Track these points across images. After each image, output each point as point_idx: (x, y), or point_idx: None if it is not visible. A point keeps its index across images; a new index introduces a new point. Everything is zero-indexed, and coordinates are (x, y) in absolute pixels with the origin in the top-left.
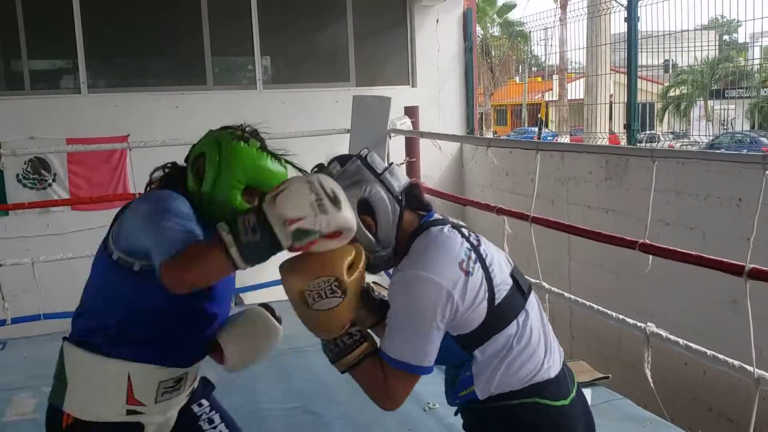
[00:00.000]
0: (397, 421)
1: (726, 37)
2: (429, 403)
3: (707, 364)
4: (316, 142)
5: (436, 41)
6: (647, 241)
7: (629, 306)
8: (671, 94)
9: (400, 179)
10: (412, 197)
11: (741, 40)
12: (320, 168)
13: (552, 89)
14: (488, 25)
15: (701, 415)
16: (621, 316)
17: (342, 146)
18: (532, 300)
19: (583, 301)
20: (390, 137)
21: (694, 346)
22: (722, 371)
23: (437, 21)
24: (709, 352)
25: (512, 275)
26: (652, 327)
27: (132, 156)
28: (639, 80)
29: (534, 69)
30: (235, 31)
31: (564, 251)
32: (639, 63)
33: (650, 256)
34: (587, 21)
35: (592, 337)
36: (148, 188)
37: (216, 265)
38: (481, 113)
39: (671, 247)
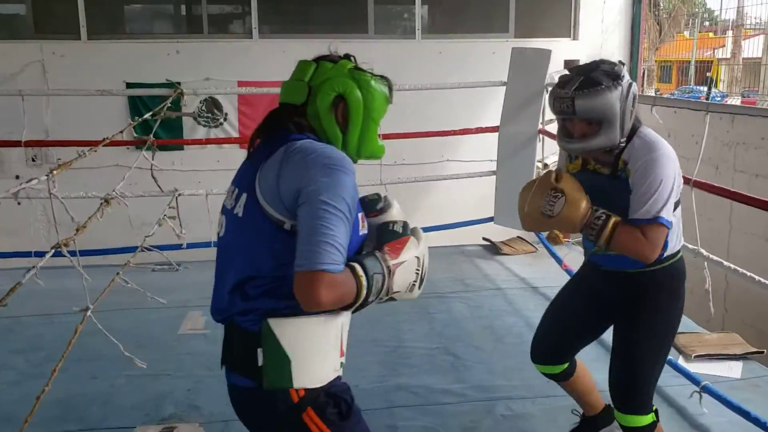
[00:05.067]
0: (536, 372)
1: None
2: None
3: None
4: (472, 93)
5: None
6: None
7: None
8: None
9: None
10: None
11: None
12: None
13: (725, 46)
14: None
15: None
16: None
17: (497, 99)
18: None
19: (743, 270)
20: (547, 91)
21: None
22: None
23: None
24: None
25: None
26: None
27: None
28: None
29: (706, 23)
30: None
31: (725, 220)
32: None
33: None
34: None
35: (747, 311)
36: (261, 133)
37: (346, 301)
38: (644, 69)
39: None
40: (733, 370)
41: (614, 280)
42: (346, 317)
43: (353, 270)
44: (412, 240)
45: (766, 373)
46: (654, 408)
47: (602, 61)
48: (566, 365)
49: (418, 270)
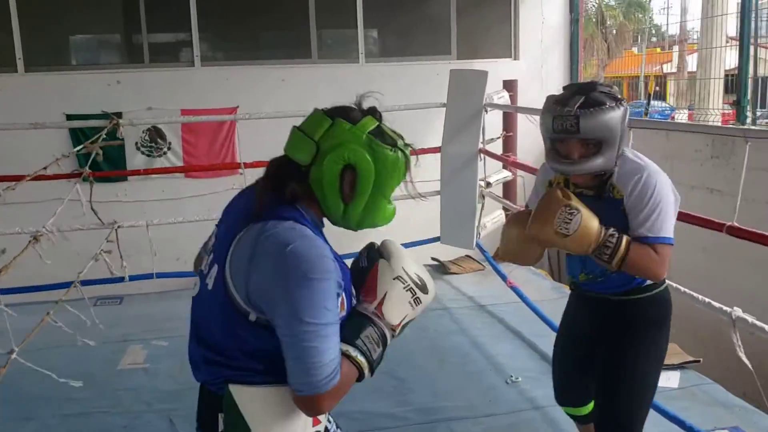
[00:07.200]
0: (479, 391)
1: None
2: (512, 376)
3: None
4: (415, 115)
5: (541, 12)
6: (735, 224)
7: (732, 289)
8: None
9: None
10: None
11: None
12: None
13: (672, 60)
14: None
15: None
16: (707, 299)
17: (439, 120)
18: None
19: (670, 282)
20: (486, 111)
21: None
22: None
23: None
24: None
25: None
26: (738, 312)
27: (240, 127)
28: (762, 50)
29: (654, 39)
30: (340, 4)
31: None
32: (761, 32)
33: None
34: None
35: (686, 320)
36: (264, 184)
37: (351, 385)
38: None
39: (761, 231)
40: (671, 380)
41: (599, 309)
42: None
43: (349, 356)
44: (381, 265)
45: (702, 382)
46: None
47: (597, 83)
48: (591, 406)
49: (406, 286)
